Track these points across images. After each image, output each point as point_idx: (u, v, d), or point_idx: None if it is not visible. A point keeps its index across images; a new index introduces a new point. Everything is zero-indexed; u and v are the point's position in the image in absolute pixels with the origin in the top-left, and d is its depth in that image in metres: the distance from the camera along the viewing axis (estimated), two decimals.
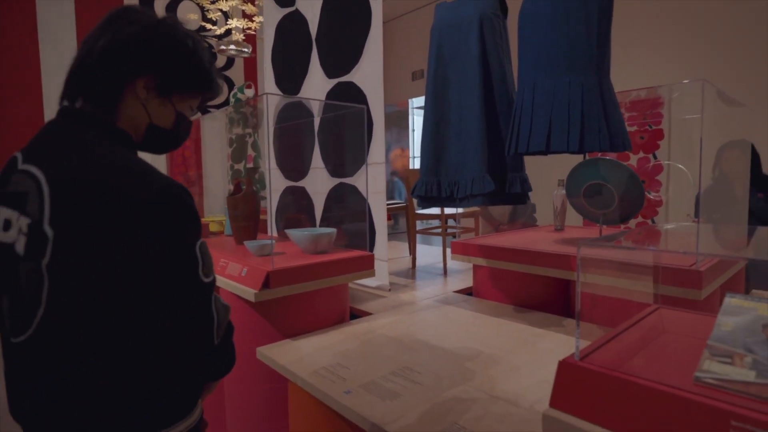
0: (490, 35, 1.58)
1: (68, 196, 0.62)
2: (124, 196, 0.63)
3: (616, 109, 1.36)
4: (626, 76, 4.00)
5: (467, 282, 2.50)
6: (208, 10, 3.54)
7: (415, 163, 7.18)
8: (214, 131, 4.68)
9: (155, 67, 0.73)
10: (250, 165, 3.59)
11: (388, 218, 2.96)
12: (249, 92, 3.73)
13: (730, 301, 0.87)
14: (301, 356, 1.45)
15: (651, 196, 2.38)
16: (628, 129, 2.68)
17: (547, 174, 2.35)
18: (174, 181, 0.69)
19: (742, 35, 3.74)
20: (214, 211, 4.03)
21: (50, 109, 4.74)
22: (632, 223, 2.20)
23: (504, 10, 1.68)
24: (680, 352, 0.89)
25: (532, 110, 1.35)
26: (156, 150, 0.83)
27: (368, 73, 2.26)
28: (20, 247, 0.63)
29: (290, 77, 2.79)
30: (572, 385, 0.72)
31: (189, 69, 0.76)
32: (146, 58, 0.72)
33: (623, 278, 1.22)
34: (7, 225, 0.65)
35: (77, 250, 0.62)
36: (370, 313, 1.97)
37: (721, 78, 3.80)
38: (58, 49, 4.84)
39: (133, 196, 0.63)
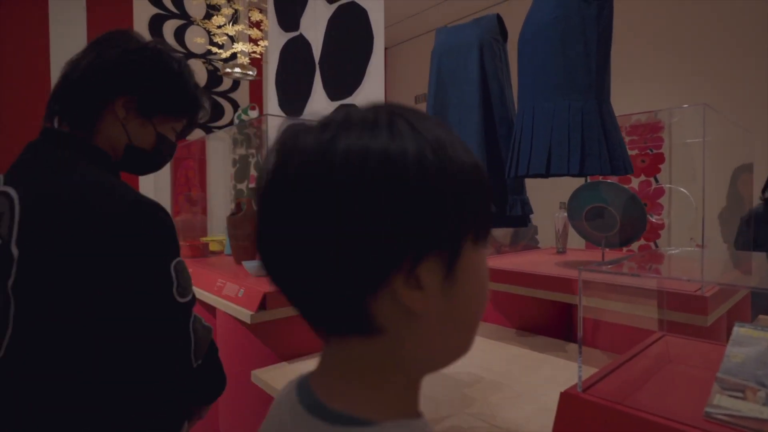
0: (489, 59, 1.60)
1: (37, 215, 0.62)
2: (92, 211, 0.61)
3: (617, 133, 1.36)
4: (626, 101, 4.05)
5: None
6: (214, 35, 3.63)
7: None
8: (218, 152, 4.73)
9: (135, 88, 0.73)
10: (253, 185, 3.61)
11: None
12: (253, 114, 3.78)
13: (740, 330, 0.84)
14: None
15: (653, 219, 2.37)
16: (629, 153, 2.70)
17: (549, 196, 2.35)
18: (147, 198, 0.68)
19: (742, 60, 3.79)
20: (217, 230, 4.03)
21: None
22: (635, 246, 2.18)
23: (504, 34, 1.70)
24: (688, 384, 0.86)
25: (532, 133, 1.36)
26: (135, 170, 0.82)
27: (370, 96, 2.29)
28: None
29: (293, 99, 2.83)
30: (575, 417, 0.69)
31: (172, 92, 0.76)
32: (125, 79, 0.73)
33: (626, 303, 1.20)
34: None
35: (42, 269, 0.61)
36: None
37: (722, 103, 3.83)
38: (68, 50, 4.93)
39: (102, 212, 0.62)
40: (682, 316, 1.30)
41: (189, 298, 0.71)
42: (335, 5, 2.46)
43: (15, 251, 0.61)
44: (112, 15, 4.96)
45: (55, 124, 0.74)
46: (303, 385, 0.37)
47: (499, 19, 1.69)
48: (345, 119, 0.30)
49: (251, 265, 1.83)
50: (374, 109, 0.31)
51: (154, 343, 0.65)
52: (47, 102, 0.75)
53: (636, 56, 4.35)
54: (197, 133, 3.97)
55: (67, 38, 4.87)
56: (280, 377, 1.44)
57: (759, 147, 3.34)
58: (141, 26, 3.78)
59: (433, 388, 1.35)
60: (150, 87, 0.74)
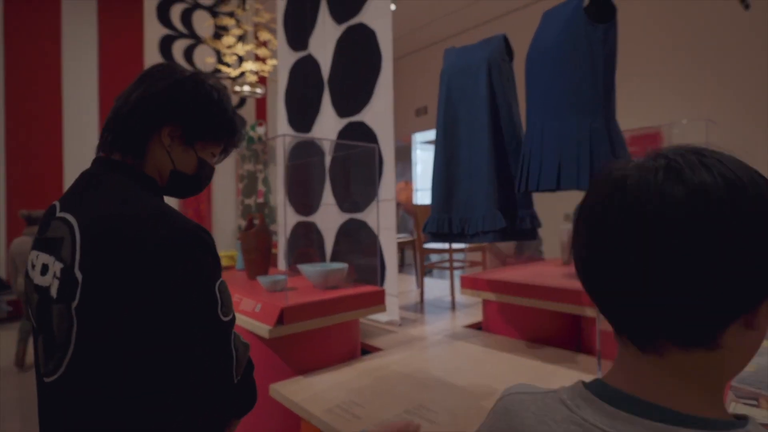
0: (497, 79, 1.66)
1: (96, 240, 0.66)
2: (146, 237, 0.66)
3: (624, 150, 1.41)
4: (631, 116, 4.12)
5: (476, 316, 2.49)
6: (224, 54, 3.72)
7: (419, 197, 7.26)
8: (223, 167, 4.79)
9: (179, 117, 0.78)
10: (261, 200, 3.66)
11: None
12: (260, 130, 3.85)
13: None
14: (315, 393, 1.44)
15: None
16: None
17: (554, 208, 2.39)
18: (195, 223, 0.72)
19: (745, 77, 3.86)
20: (224, 245, 4.07)
21: (68, 117, 4.86)
22: None
23: (510, 53, 1.76)
24: None
25: (542, 151, 1.41)
26: (179, 194, 0.86)
27: (378, 113, 2.35)
28: (54, 291, 0.67)
29: (303, 117, 2.89)
30: None
31: (211, 120, 0.80)
32: (171, 109, 0.77)
33: None
34: (45, 269, 0.70)
35: (103, 292, 0.65)
36: (380, 349, 1.96)
37: (722, 116, 3.90)
38: (80, 70, 5.00)
39: (154, 237, 0.66)
40: None
41: (231, 317, 0.74)
42: (344, 26, 2.54)
43: (79, 275, 0.65)
44: (123, 36, 5.09)
45: (110, 154, 0.78)
46: (605, 393, 0.39)
47: (505, 39, 1.76)
48: (703, 156, 0.35)
49: (266, 280, 1.86)
50: (698, 150, 0.36)
51: (203, 360, 0.68)
52: (100, 132, 0.80)
53: (640, 71, 4.44)
54: None
55: (80, 59, 4.98)
56: (297, 391, 1.47)
57: (761, 158, 3.39)
58: (151, 46, 3.86)
59: (449, 401, 1.38)
60: (193, 116, 0.78)
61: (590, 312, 1.67)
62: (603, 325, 0.81)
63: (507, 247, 3.09)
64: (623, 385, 0.39)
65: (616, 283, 0.37)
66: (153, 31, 3.84)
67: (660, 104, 4.33)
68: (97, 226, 0.67)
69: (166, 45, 3.92)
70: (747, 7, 2.09)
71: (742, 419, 0.36)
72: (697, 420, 0.34)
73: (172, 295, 0.66)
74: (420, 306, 2.93)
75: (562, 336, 1.98)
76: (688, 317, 0.34)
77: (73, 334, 0.65)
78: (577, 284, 1.83)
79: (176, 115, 0.77)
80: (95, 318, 0.65)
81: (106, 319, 0.64)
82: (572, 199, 1.94)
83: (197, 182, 0.85)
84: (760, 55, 3.74)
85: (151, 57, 3.85)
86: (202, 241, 0.71)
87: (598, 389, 0.40)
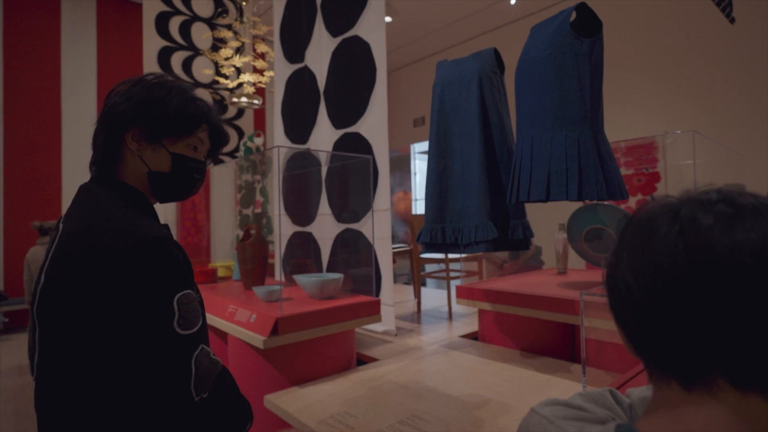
0: (489, 91, 1.69)
1: (63, 249, 0.70)
2: (103, 248, 0.67)
3: (612, 161, 1.43)
4: (621, 127, 4.16)
5: (472, 326, 2.49)
6: (222, 66, 3.76)
7: (418, 207, 7.29)
8: (222, 177, 4.83)
9: (136, 119, 0.78)
10: (258, 210, 3.68)
11: (393, 261, 2.99)
12: (258, 140, 3.88)
13: None
14: (309, 404, 1.45)
15: None
16: (626, 172, 2.81)
17: (551, 217, 2.41)
18: (158, 232, 0.72)
19: (730, 88, 3.91)
20: (223, 255, 4.08)
21: (67, 128, 4.89)
22: None
23: (501, 66, 1.80)
24: None
25: (531, 162, 1.43)
26: (169, 195, 0.85)
27: (373, 125, 2.37)
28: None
29: (299, 128, 2.93)
30: None
31: (166, 112, 0.79)
32: (127, 114, 0.78)
33: None
34: (39, 273, 0.74)
35: (57, 298, 0.67)
36: (376, 359, 1.97)
37: (713, 126, 3.94)
38: (79, 84, 5.04)
39: (112, 248, 0.67)
40: None
41: (193, 330, 0.72)
42: (339, 39, 2.58)
43: (42, 278, 0.69)
44: (122, 49, 5.14)
45: (94, 169, 0.82)
46: None
47: (496, 52, 1.79)
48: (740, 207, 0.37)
49: (261, 291, 1.87)
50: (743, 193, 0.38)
51: (156, 373, 0.68)
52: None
53: (633, 84, 4.49)
54: None
55: (79, 72, 5.03)
56: (292, 401, 1.48)
57: (749, 167, 3.42)
58: (150, 58, 3.91)
59: (442, 410, 1.38)
60: (148, 114, 0.78)
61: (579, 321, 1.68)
62: (588, 333, 0.83)
63: (502, 252, 3.11)
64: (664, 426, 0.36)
65: (676, 318, 0.36)
66: (152, 43, 3.90)
67: (650, 115, 4.38)
68: (69, 235, 0.71)
69: (164, 56, 3.97)
70: (732, 20, 2.13)
71: None
72: None
73: (123, 305, 0.66)
74: (417, 316, 2.93)
75: (556, 345, 1.99)
76: (747, 350, 0.34)
77: (36, 336, 0.69)
78: (568, 293, 1.84)
79: (133, 118, 0.78)
80: (51, 322, 0.67)
81: (61, 325, 0.67)
82: (568, 207, 1.96)
83: (180, 179, 0.83)
84: (744, 68, 3.80)
85: (150, 68, 3.90)
86: (161, 251, 0.70)
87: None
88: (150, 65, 3.91)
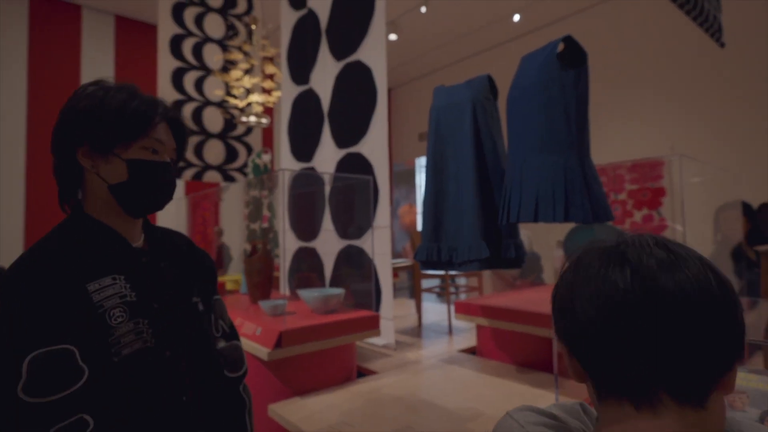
0: (482, 117, 1.78)
1: None
2: None
3: (597, 184, 1.51)
4: (615, 148, 4.23)
5: (471, 341, 2.55)
6: (232, 87, 3.91)
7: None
8: (230, 194, 4.96)
9: (80, 135, 0.72)
10: (266, 225, 3.79)
11: (395, 275, 3.07)
12: (266, 157, 4.01)
13: None
14: (310, 414, 1.52)
15: None
16: (631, 188, 2.90)
17: (553, 233, 2.48)
18: (20, 269, 0.63)
19: (712, 114, 3.97)
20: (231, 269, 4.19)
21: None
22: None
23: (494, 92, 1.89)
24: None
25: (521, 186, 1.51)
26: (137, 208, 0.76)
27: (374, 145, 2.48)
28: None
29: (304, 147, 3.04)
30: None
31: (103, 119, 0.71)
32: (68, 133, 0.72)
33: None
34: None
35: None
36: (375, 372, 2.04)
37: (704, 146, 4.00)
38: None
39: None
40: None
41: (53, 398, 0.59)
42: (342, 63, 2.70)
43: None
44: (139, 69, 5.36)
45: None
46: None
47: (490, 79, 1.89)
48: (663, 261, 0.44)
49: (267, 305, 1.96)
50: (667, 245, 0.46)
51: None
52: None
53: (619, 108, 4.57)
54: (214, 177, 4.20)
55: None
56: (294, 411, 1.55)
57: (745, 186, 3.46)
58: (165, 78, 4.09)
59: (436, 423, 1.45)
60: (86, 125, 0.72)
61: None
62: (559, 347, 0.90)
63: (510, 270, 3.18)
64: None
65: (626, 351, 0.43)
66: (166, 63, 4.07)
67: (638, 139, 4.45)
68: None
69: (178, 76, 4.14)
70: (722, 45, 2.21)
71: None
72: None
73: None
74: (418, 330, 2.99)
75: (551, 360, 2.04)
76: (689, 370, 0.41)
77: None
78: None
79: (76, 135, 0.72)
80: None
81: None
82: (565, 227, 2.04)
83: (142, 185, 0.74)
84: (727, 92, 3.87)
85: (165, 87, 4.07)
86: (10, 292, 0.61)
87: None
88: (164, 84, 4.08)
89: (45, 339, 0.60)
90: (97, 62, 5.22)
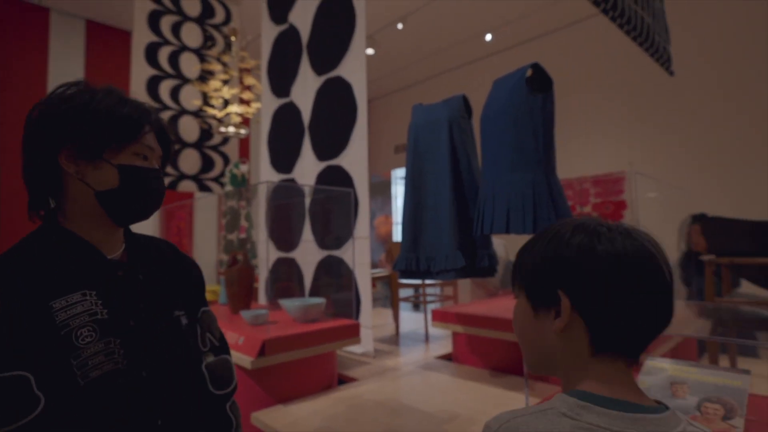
0: (458, 134, 1.89)
1: None
2: None
3: (562, 199, 1.64)
4: (581, 163, 4.49)
5: (447, 348, 2.65)
6: (211, 97, 3.92)
7: (399, 232, 7.46)
8: (206, 204, 4.92)
9: (64, 136, 0.67)
10: (243, 236, 3.79)
11: (372, 285, 3.14)
12: (244, 167, 4.02)
13: (649, 363, 1.08)
14: (293, 421, 1.57)
15: None
16: (595, 201, 3.12)
17: (517, 246, 2.62)
18: None
19: (670, 132, 4.28)
20: (206, 280, 4.15)
21: None
22: None
23: (469, 111, 2.01)
24: None
25: (494, 200, 1.62)
26: (126, 216, 0.73)
27: (354, 158, 2.56)
28: None
29: (284, 159, 3.09)
30: None
31: (93, 120, 0.67)
32: (50, 134, 0.67)
33: None
34: None
35: None
36: (356, 379, 2.10)
37: (662, 163, 4.29)
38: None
39: None
40: None
41: (4, 430, 0.56)
42: (323, 78, 2.78)
43: None
44: (111, 75, 5.26)
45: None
46: (597, 401, 0.49)
47: (465, 99, 2.01)
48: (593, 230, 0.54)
49: (249, 315, 1.99)
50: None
51: None
52: None
53: (583, 125, 4.85)
54: (189, 187, 4.17)
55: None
56: (277, 418, 1.59)
57: (699, 199, 3.73)
58: (139, 85, 4.04)
59: (416, 426, 1.52)
60: (74, 126, 0.67)
61: None
62: None
63: (491, 281, 3.32)
64: (607, 392, 0.50)
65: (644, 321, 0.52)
66: (140, 71, 4.03)
67: (604, 156, 4.74)
68: None
69: (153, 84, 4.11)
70: (671, 73, 2.43)
71: (662, 404, 0.50)
72: (651, 408, 0.48)
73: None
74: (396, 338, 3.07)
75: (520, 364, 2.15)
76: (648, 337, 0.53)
77: None
78: None
79: (60, 136, 0.67)
80: None
81: None
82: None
83: (134, 192, 0.71)
84: (681, 113, 4.20)
85: (139, 94, 4.02)
86: None
87: (589, 399, 0.49)
88: (139, 92, 4.04)
89: None
90: (66, 67, 5.10)
